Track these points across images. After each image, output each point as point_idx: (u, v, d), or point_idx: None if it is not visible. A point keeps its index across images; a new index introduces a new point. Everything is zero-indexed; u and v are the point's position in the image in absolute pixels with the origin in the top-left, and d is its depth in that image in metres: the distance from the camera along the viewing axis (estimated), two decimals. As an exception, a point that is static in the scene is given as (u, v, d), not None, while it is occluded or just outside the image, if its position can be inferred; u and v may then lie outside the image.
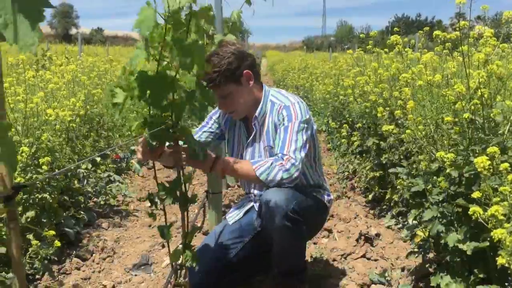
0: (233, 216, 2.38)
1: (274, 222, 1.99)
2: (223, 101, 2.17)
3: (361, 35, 4.21)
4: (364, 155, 4.10)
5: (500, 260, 1.28)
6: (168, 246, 1.81)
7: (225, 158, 2.06)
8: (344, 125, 4.51)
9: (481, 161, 1.39)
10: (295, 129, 2.09)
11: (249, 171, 2.00)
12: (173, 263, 1.99)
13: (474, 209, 1.41)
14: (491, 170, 1.42)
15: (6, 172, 0.86)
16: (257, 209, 2.31)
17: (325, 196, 2.34)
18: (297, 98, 2.24)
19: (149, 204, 4.15)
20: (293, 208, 1.98)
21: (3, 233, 2.34)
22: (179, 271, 2.07)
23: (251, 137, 2.28)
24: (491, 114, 1.84)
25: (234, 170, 2.02)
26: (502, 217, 1.33)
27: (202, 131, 2.39)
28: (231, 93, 2.14)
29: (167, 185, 1.71)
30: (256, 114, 2.23)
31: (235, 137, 2.38)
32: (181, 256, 1.76)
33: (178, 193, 1.72)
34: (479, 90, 1.83)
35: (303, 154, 2.05)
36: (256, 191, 2.34)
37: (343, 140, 4.57)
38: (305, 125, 2.13)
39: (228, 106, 2.19)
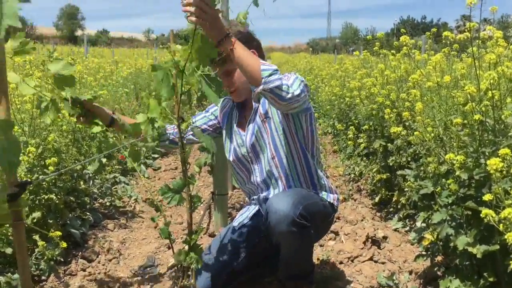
0: (239, 220, 2.36)
1: (280, 229, 1.95)
2: (226, 78, 2.17)
3: (367, 37, 4.19)
4: (370, 157, 4.08)
5: (514, 264, 1.26)
6: (172, 247, 1.81)
7: (238, 42, 1.88)
8: (350, 127, 4.49)
9: (494, 163, 1.37)
10: (292, 77, 1.97)
11: (255, 61, 1.84)
12: (178, 266, 1.97)
13: (486, 212, 1.39)
14: (504, 172, 1.40)
15: (9, 170, 0.84)
16: (263, 213, 2.30)
17: (331, 195, 2.30)
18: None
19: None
20: (300, 213, 1.94)
21: (9, 233, 2.34)
22: (185, 273, 2.06)
23: (252, 114, 2.28)
24: (502, 116, 1.81)
25: (242, 51, 1.84)
26: (515, 220, 1.31)
27: (200, 116, 2.44)
28: (235, 69, 2.14)
29: (171, 186, 1.70)
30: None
31: (233, 126, 2.39)
32: (186, 258, 1.75)
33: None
34: (489, 92, 1.81)
35: (299, 92, 1.91)
36: (262, 194, 2.32)
37: (349, 142, 4.55)
38: (302, 83, 1.99)
39: (230, 83, 2.18)
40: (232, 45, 1.80)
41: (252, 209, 2.37)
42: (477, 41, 2.00)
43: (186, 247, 1.74)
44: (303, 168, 2.24)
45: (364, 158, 4.26)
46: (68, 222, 2.97)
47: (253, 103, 2.26)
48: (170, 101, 1.66)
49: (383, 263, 2.77)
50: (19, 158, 0.72)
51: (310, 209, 2.01)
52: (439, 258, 2.38)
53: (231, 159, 2.37)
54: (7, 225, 2.33)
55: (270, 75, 1.82)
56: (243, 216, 2.36)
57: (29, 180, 2.40)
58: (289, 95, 1.86)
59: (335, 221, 3.44)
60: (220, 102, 2.46)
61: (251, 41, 2.16)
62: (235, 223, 2.35)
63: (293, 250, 2.07)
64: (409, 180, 2.44)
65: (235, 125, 2.36)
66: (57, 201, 2.74)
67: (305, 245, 2.11)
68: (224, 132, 2.42)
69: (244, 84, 2.17)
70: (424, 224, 2.35)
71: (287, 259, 2.14)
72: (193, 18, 1.63)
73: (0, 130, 0.69)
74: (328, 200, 2.27)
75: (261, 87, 1.82)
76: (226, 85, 2.19)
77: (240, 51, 1.83)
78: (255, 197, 2.37)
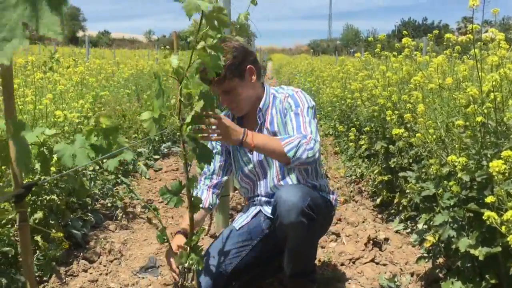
0: (239, 221, 2.36)
1: (289, 218, 1.97)
2: (226, 97, 2.16)
3: (369, 39, 4.19)
4: (372, 158, 4.08)
5: (516, 266, 1.26)
6: (171, 247, 1.82)
7: (254, 132, 2.00)
8: (351, 129, 4.48)
9: (496, 165, 1.37)
10: (305, 113, 2.10)
11: (278, 146, 1.94)
12: (179, 267, 1.97)
13: (488, 214, 1.39)
14: (506, 174, 1.40)
15: (17, 171, 0.85)
16: (265, 213, 2.30)
17: (331, 195, 2.35)
18: (297, 88, 2.26)
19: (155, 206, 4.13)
20: (308, 204, 1.97)
21: (10, 234, 2.34)
22: (186, 274, 2.06)
23: (257, 129, 2.26)
24: (504, 118, 1.81)
25: (264, 143, 1.95)
26: (517, 222, 1.31)
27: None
28: (234, 87, 2.12)
29: (169, 187, 1.70)
30: (260, 106, 2.23)
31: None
32: (187, 259, 1.76)
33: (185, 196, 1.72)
34: (492, 94, 1.81)
35: (318, 137, 2.05)
36: (263, 198, 2.33)
37: (350, 144, 4.55)
38: (313, 111, 2.14)
39: (230, 101, 2.17)
40: (252, 143, 1.91)
41: (252, 210, 2.38)
42: (479, 43, 2.00)
43: (188, 249, 1.74)
44: (305, 180, 2.27)
45: (366, 160, 4.26)
46: (70, 223, 2.97)
47: (258, 119, 2.25)
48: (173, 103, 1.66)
49: (384, 264, 2.77)
50: (31, 160, 0.73)
51: (316, 202, 2.05)
52: (440, 260, 2.37)
53: (239, 177, 2.39)
54: (9, 226, 2.33)
55: (296, 151, 1.93)
56: (244, 217, 2.37)
57: (32, 181, 2.40)
58: (315, 158, 1.98)
59: (337, 223, 3.45)
60: None
61: (248, 57, 2.16)
62: (236, 224, 2.35)
63: (299, 242, 2.08)
64: (411, 182, 2.44)
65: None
66: (58, 202, 2.74)
67: (310, 238, 2.13)
68: (231, 152, 2.39)
69: (245, 100, 2.18)
70: (425, 226, 2.36)
71: (292, 252, 2.14)
72: (210, 137, 1.73)
73: (13, 132, 0.70)
74: (328, 198, 2.31)
75: (291, 164, 1.96)
76: (226, 103, 2.19)
77: (261, 143, 1.94)
78: (256, 198, 2.37)
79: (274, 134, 2.22)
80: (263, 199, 2.33)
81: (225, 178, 2.42)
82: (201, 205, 2.22)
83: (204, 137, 1.73)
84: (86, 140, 1.26)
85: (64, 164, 1.20)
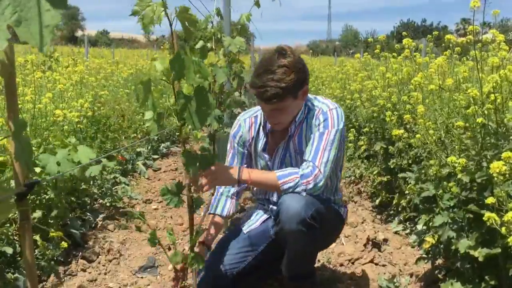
0: (248, 225, 2.34)
1: (290, 226, 1.95)
2: (274, 113, 2.06)
3: (369, 39, 4.20)
4: (371, 159, 4.08)
5: (517, 267, 1.26)
6: (166, 253, 1.83)
7: (249, 169, 2.03)
8: (351, 130, 4.49)
9: (497, 166, 1.37)
10: (330, 138, 2.04)
11: (275, 184, 1.98)
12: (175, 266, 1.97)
13: (489, 215, 1.40)
14: (506, 175, 1.40)
15: (19, 170, 0.84)
16: (273, 218, 2.29)
17: (342, 208, 2.33)
18: (334, 103, 2.16)
19: (154, 206, 4.13)
20: (311, 214, 1.94)
21: (9, 233, 2.34)
22: (185, 273, 2.06)
23: (285, 140, 2.19)
24: (505, 119, 1.82)
25: (260, 180, 2.00)
26: (518, 224, 1.31)
27: (235, 159, 2.30)
28: (286, 106, 2.02)
29: (170, 187, 1.70)
30: (296, 119, 2.14)
31: (258, 149, 2.32)
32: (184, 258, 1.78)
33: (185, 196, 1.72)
34: (492, 95, 1.82)
35: (331, 166, 2.02)
36: (274, 206, 2.30)
37: (349, 145, 4.55)
38: (340, 135, 2.07)
39: (277, 118, 2.08)
40: (249, 179, 1.97)
41: (261, 215, 2.36)
42: (479, 44, 2.00)
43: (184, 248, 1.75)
44: (323, 193, 2.21)
45: (365, 161, 4.26)
46: (69, 222, 2.96)
47: (289, 130, 2.16)
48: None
49: (383, 265, 2.77)
50: (31, 158, 0.73)
51: (322, 212, 2.01)
52: (440, 261, 2.37)
53: None
54: (8, 225, 2.32)
55: (294, 190, 1.97)
56: (253, 221, 2.35)
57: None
58: (317, 192, 2.00)
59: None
60: (245, 121, 2.31)
61: (306, 75, 2.05)
62: (244, 227, 2.33)
63: (298, 249, 2.07)
64: (410, 183, 2.44)
65: (260, 149, 2.28)
66: (57, 201, 2.74)
67: (310, 247, 2.11)
68: (252, 153, 2.32)
69: (291, 116, 2.11)
70: (425, 227, 2.35)
71: (291, 259, 2.13)
72: (207, 187, 1.79)
73: (15, 130, 0.70)
74: (339, 211, 2.30)
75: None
76: (272, 120, 2.11)
77: (258, 179, 2.01)
78: (266, 202, 2.35)
79: (300, 151, 2.16)
80: (274, 207, 2.29)
81: None
82: (224, 214, 2.23)
83: (201, 190, 1.78)
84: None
85: (49, 172, 1.20)
